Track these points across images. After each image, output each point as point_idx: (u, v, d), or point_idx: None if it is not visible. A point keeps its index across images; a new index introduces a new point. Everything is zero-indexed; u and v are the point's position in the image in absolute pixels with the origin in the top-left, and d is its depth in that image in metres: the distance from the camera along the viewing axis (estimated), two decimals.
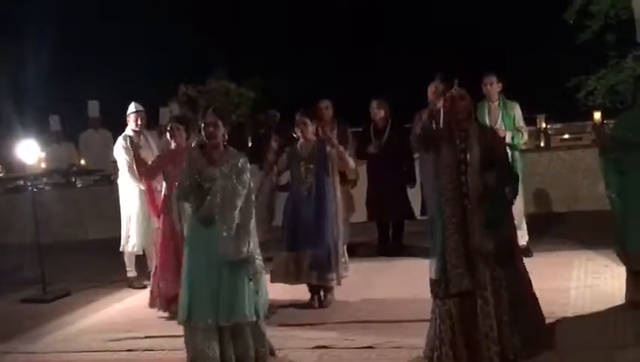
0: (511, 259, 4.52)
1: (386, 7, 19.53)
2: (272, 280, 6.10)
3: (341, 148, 6.37)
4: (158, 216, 6.49)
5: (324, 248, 6.12)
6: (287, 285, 6.24)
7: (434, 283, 4.49)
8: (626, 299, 5.40)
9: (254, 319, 4.78)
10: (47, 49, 14.90)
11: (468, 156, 4.46)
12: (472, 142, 4.48)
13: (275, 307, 5.85)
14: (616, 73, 13.42)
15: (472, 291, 4.37)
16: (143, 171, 6.72)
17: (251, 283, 4.75)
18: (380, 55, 18.39)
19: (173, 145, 6.46)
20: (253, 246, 4.77)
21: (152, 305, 6.41)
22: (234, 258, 4.66)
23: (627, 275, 5.41)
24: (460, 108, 4.52)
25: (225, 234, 4.62)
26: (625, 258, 5.38)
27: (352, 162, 6.57)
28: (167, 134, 6.47)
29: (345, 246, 6.47)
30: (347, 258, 6.47)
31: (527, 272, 4.66)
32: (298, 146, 6.35)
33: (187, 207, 5.11)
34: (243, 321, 4.73)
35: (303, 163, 6.27)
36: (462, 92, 4.55)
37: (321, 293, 6.29)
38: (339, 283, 6.22)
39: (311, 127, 6.31)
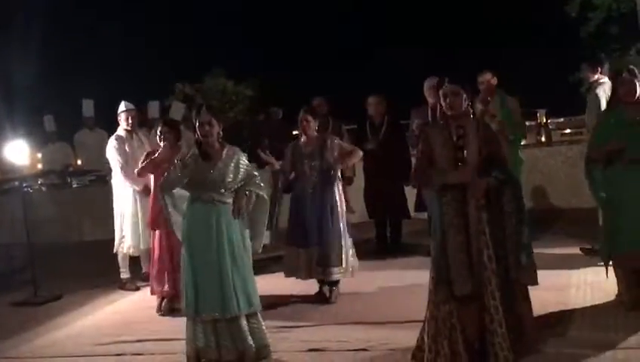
0: None
1: (382, 4, 19.46)
2: (287, 275, 6.33)
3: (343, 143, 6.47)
4: (152, 226, 6.43)
5: (330, 244, 6.15)
6: (279, 284, 6.31)
7: (436, 287, 4.36)
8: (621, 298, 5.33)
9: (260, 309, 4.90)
10: (38, 48, 14.84)
11: (465, 152, 4.34)
12: (469, 138, 4.36)
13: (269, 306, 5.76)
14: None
15: (475, 293, 4.26)
16: (138, 170, 6.65)
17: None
18: (376, 51, 18.33)
19: (162, 145, 6.38)
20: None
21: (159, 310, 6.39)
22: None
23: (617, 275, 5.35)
24: (454, 104, 4.39)
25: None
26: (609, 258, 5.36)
27: (358, 151, 6.55)
28: (158, 138, 6.40)
29: (351, 241, 6.44)
30: (354, 252, 6.47)
31: None
32: (301, 144, 6.35)
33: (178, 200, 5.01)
34: (255, 311, 4.82)
35: (307, 160, 6.28)
36: (454, 88, 4.40)
37: (326, 289, 6.30)
38: (352, 276, 6.32)
39: (314, 124, 6.31)
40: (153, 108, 10.22)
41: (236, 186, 4.85)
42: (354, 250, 6.44)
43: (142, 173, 6.64)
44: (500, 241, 4.30)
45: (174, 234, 6.05)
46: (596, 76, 7.11)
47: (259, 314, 4.89)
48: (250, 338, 4.79)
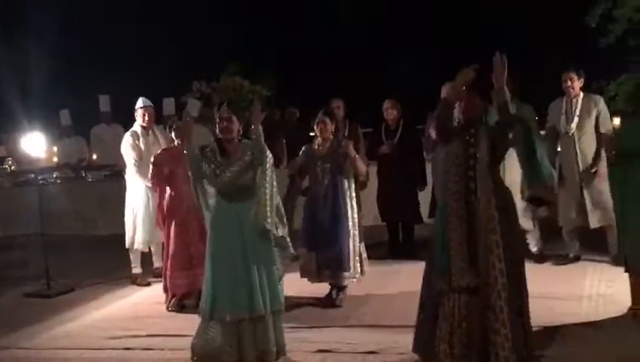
0: (519, 264, 4.41)
1: (399, 6, 19.36)
2: (302, 275, 6.26)
3: (354, 153, 6.30)
4: (164, 222, 6.46)
5: (339, 248, 6.10)
6: (290, 284, 6.14)
7: (437, 277, 4.41)
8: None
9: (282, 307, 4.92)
10: (55, 43, 14.85)
11: (477, 151, 4.40)
12: (480, 138, 4.43)
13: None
14: (637, 79, 13.14)
15: (477, 288, 4.29)
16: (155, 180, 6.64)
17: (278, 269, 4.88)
18: (393, 55, 18.25)
19: (176, 142, 6.39)
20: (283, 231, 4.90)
21: (168, 306, 6.40)
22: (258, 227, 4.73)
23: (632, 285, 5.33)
24: (467, 107, 4.50)
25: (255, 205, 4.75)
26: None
27: (363, 167, 6.46)
28: (172, 133, 6.41)
29: (363, 245, 6.41)
30: (366, 256, 6.44)
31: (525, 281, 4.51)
32: (315, 146, 6.32)
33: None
34: (280, 308, 4.85)
35: (320, 163, 6.26)
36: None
37: (334, 292, 6.28)
38: (359, 281, 6.27)
39: (330, 127, 6.27)
40: (168, 106, 10.25)
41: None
42: (366, 255, 6.42)
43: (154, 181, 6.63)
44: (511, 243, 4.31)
45: (187, 229, 6.10)
46: (579, 88, 6.98)
47: (281, 314, 4.91)
48: (273, 338, 4.79)
